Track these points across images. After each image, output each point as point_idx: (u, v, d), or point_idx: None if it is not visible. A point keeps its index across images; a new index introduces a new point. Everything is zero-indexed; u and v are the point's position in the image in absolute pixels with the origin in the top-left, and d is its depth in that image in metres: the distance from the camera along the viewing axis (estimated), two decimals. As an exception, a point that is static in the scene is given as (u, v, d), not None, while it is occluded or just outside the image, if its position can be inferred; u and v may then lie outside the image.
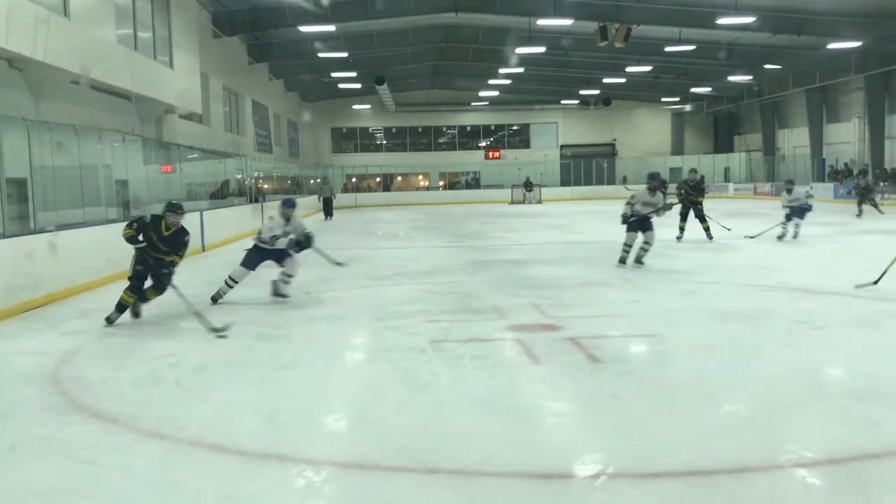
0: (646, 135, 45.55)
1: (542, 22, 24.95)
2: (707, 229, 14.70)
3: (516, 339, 6.49)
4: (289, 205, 9.07)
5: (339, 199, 31.98)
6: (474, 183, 43.88)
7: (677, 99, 42.78)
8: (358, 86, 36.75)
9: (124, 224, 7.73)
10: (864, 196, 21.17)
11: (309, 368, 5.86)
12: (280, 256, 8.78)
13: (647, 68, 33.29)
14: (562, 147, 45.52)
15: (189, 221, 8.34)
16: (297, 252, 8.78)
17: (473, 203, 36.46)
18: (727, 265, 11.38)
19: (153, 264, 7.60)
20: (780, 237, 14.40)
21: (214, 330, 6.91)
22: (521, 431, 4.26)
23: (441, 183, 45.24)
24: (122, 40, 16.52)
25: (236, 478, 3.73)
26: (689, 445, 3.98)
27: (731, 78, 35.33)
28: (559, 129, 45.79)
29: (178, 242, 7.71)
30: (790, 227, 14.37)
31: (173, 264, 7.70)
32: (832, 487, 3.51)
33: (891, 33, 25.21)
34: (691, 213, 14.81)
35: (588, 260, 12.43)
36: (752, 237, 14.91)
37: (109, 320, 7.48)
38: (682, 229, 14.69)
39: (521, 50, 28.52)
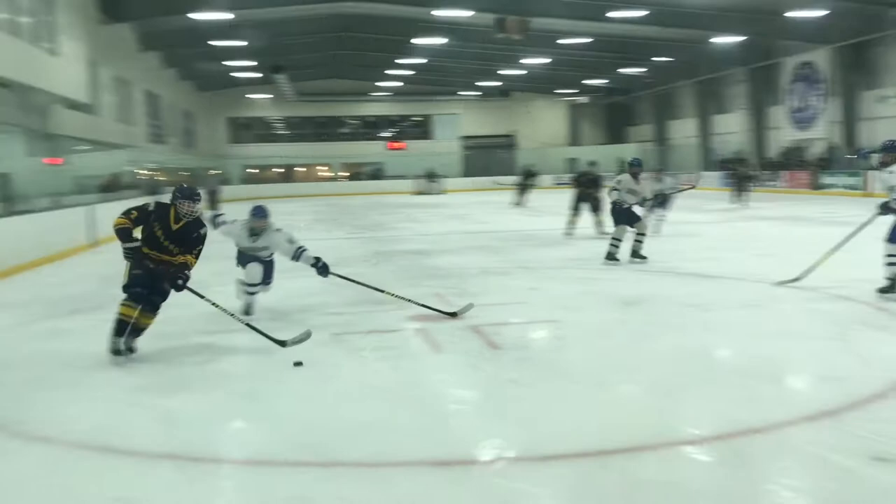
0: (544, 126, 46.41)
1: (440, 13, 25.02)
2: (599, 223, 14.06)
3: (418, 329, 6.51)
4: (259, 214, 7.12)
5: (237, 191, 31.23)
6: (378, 174, 43.70)
7: (574, 91, 43.77)
8: (256, 75, 35.93)
9: (119, 213, 5.79)
10: (741, 185, 21.92)
11: (206, 365, 5.71)
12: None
13: (545, 60, 33.91)
14: (463, 138, 45.87)
15: (79, 216, 7.86)
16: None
17: (377, 194, 36.31)
18: (620, 253, 11.72)
19: (156, 269, 5.75)
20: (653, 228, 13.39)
21: (283, 343, 5.71)
22: (423, 420, 4.28)
23: (343, 174, 44.84)
24: (1, 26, 15.59)
25: (128, 479, 3.61)
26: (584, 427, 4.09)
27: (625, 70, 36.44)
28: (460, 120, 46.12)
29: (191, 238, 5.84)
30: (653, 218, 13.59)
31: (187, 267, 5.82)
32: (719, 462, 3.69)
33: (769, 28, 26.57)
34: (587, 206, 14.37)
35: (489, 249, 12.59)
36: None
37: (117, 351, 5.64)
38: (573, 224, 14.25)
39: (421, 40, 28.55)
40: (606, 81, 40.62)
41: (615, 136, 46.23)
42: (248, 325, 6.01)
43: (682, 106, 39.32)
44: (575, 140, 46.33)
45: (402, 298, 7.15)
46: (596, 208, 14.34)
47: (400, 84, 41.23)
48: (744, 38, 28.25)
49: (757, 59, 31.09)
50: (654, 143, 41.65)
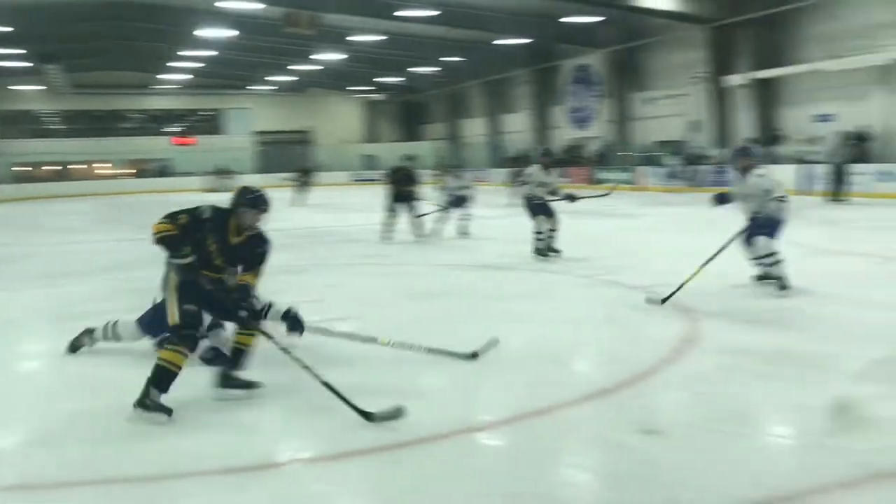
0: (340, 122, 46.31)
1: (225, 4, 24.16)
2: (418, 225, 12.88)
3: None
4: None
5: (5, 190, 28.39)
6: (166, 170, 41.47)
7: (369, 88, 44.03)
8: (25, 64, 32.72)
9: (160, 218, 4.46)
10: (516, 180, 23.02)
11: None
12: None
13: (339, 56, 33.82)
14: (257, 133, 44.68)
15: None
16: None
17: (165, 192, 34.45)
18: (422, 247, 11.97)
19: (217, 294, 4.51)
20: (437, 228, 13.04)
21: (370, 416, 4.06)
22: (195, 432, 4.12)
23: (128, 171, 42.15)
24: None
25: None
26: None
27: (417, 69, 37.18)
28: (253, 115, 44.88)
29: (251, 256, 4.62)
30: (452, 218, 13.37)
31: (248, 293, 4.55)
32: (508, 445, 3.88)
33: (549, 32, 28.23)
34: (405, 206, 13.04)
35: (286, 247, 12.30)
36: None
37: (162, 410, 4.17)
38: (389, 226, 12.88)
39: (206, 32, 27.43)
40: (401, 79, 41.23)
41: (411, 133, 47.06)
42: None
43: (473, 105, 40.76)
44: (371, 137, 46.64)
45: (406, 347, 5.36)
46: (412, 208, 12.97)
47: (189, 77, 39.37)
48: (526, 41, 29.81)
49: (539, 62, 32.89)
50: (448, 141, 42.86)
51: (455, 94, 41.55)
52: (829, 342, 5.39)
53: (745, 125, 23.96)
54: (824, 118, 21.88)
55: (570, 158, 31.39)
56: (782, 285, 7.05)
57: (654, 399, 4.47)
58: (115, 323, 5.54)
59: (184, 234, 4.40)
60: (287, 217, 18.75)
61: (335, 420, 4.13)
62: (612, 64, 29.22)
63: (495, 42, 30.09)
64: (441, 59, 34.69)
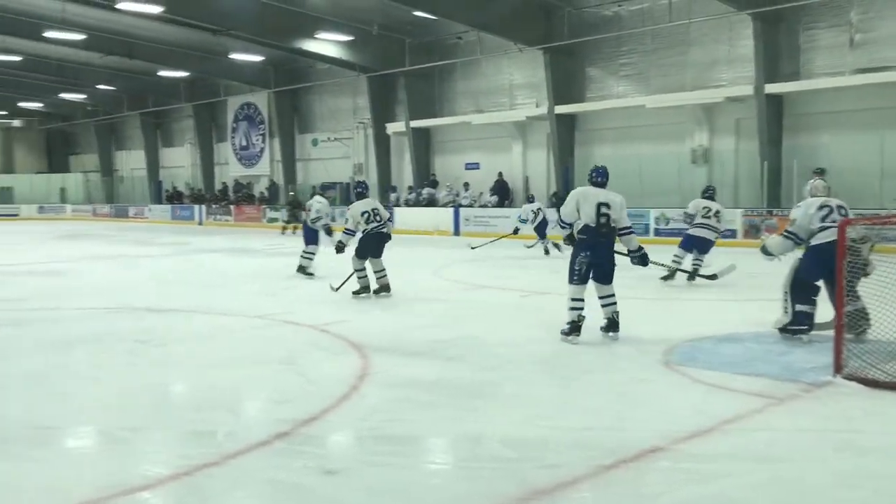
0: (-35, 149, 40.54)
1: None
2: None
3: None
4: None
5: None
6: None
7: (5, 113, 39.30)
8: None
9: None
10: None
11: None
12: None
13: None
14: None
15: None
16: None
17: None
18: (67, 289, 10.74)
19: None
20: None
21: None
22: None
23: None
24: None
25: None
26: (25, 490, 3.51)
27: (65, 95, 34.01)
28: None
29: None
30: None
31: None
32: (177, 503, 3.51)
33: (212, 67, 27.61)
34: None
35: None
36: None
37: None
38: None
39: None
40: (42, 105, 37.39)
41: (56, 164, 42.73)
42: None
43: (130, 137, 38.25)
44: (8, 167, 41.45)
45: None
46: None
47: None
48: (188, 74, 28.80)
49: (203, 96, 31.91)
50: (101, 174, 39.62)
51: (108, 124, 38.61)
52: (486, 370, 5.77)
53: (406, 169, 25.45)
54: (472, 166, 24.08)
55: (239, 197, 30.86)
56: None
57: (330, 437, 4.37)
58: None
59: None
60: None
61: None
62: (278, 104, 29.29)
63: (160, 73, 28.68)
64: (92, 86, 32.13)
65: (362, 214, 9.40)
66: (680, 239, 10.89)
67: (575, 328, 6.58)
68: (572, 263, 6.66)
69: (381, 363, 5.97)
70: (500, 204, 22.00)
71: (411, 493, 3.53)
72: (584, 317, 6.59)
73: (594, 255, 6.58)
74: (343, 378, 5.46)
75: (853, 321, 5.90)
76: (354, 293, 9.38)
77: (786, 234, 6.69)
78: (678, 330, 7.11)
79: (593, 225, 6.57)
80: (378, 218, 9.41)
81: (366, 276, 9.43)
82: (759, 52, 17.09)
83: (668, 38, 19.11)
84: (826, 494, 3.51)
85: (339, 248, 9.60)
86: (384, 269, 9.56)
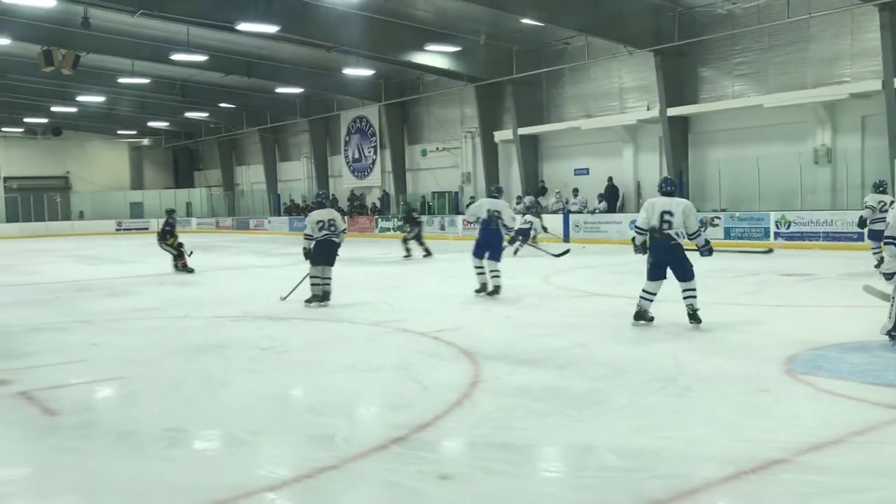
0: (103, 168, 43.31)
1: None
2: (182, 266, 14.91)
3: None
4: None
5: None
6: None
7: (134, 132, 41.77)
8: None
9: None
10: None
11: None
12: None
13: (100, 98, 31.83)
14: (5, 179, 40.56)
15: None
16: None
17: None
18: (193, 299, 11.34)
19: None
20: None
21: None
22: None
23: None
24: None
25: None
26: (157, 490, 3.76)
27: (189, 114, 35.86)
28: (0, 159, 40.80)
29: None
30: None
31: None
32: (299, 504, 3.67)
33: (327, 83, 28.48)
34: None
35: (41, 302, 11.18)
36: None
37: None
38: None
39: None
40: (168, 124, 39.56)
41: (182, 180, 45.10)
42: None
43: (250, 152, 39.93)
44: (138, 184, 44.06)
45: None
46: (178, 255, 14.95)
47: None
48: (303, 90, 29.84)
49: (318, 111, 33.01)
50: (223, 188, 41.58)
51: (229, 140, 40.50)
52: (597, 379, 5.73)
53: (514, 177, 25.47)
54: (582, 171, 23.84)
55: (353, 208, 31.67)
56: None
57: (446, 443, 4.45)
58: None
59: None
60: (43, 269, 17.13)
61: (111, 491, 3.70)
62: (389, 116, 29.94)
63: (276, 90, 29.84)
64: (213, 104, 33.76)
65: (317, 223, 9.97)
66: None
67: (639, 315, 7.64)
68: (647, 262, 7.66)
69: (492, 370, 6.02)
70: (609, 209, 21.69)
71: (522, 500, 3.56)
72: (648, 311, 7.62)
73: (659, 254, 7.53)
74: (455, 385, 5.55)
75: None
76: (306, 301, 9.81)
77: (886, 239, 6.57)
78: (801, 337, 6.84)
79: (657, 229, 7.46)
80: (332, 228, 9.96)
81: (319, 283, 9.88)
82: (886, 44, 16.18)
83: (786, 34, 18.38)
84: (966, 513, 3.31)
85: (305, 253, 10.07)
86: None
